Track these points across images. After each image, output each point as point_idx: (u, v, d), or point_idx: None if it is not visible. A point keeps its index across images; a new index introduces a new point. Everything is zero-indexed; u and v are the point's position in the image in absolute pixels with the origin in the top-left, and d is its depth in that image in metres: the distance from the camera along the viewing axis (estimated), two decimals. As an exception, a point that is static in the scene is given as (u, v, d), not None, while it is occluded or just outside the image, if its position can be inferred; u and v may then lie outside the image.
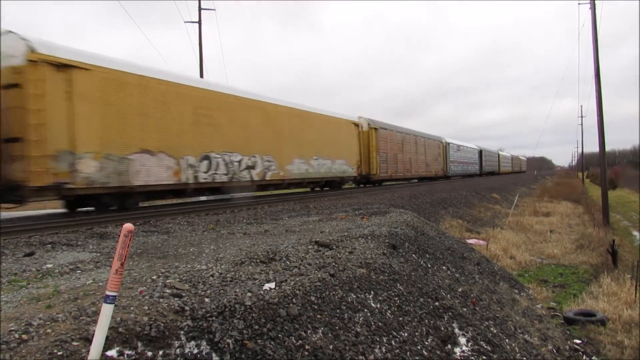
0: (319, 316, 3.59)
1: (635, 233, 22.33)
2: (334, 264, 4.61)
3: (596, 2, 21.05)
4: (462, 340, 4.56)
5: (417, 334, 4.17)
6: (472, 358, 4.35)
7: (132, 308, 2.89)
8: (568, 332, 6.89)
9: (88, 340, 2.41)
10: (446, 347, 4.28)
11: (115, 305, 2.30)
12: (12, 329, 2.48)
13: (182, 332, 2.81)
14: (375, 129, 24.58)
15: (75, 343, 2.42)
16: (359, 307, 4.04)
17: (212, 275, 3.84)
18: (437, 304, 4.94)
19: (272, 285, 3.74)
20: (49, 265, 4.58)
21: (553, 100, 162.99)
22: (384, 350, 3.66)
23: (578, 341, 6.57)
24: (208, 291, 3.40)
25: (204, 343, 2.83)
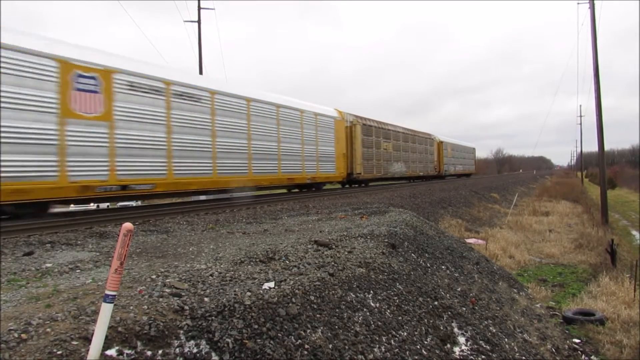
0: (318, 315, 3.59)
1: (634, 232, 22.38)
2: (333, 263, 4.61)
3: (595, 2, 21.12)
4: (462, 339, 4.57)
5: (416, 333, 4.18)
6: (472, 357, 4.36)
7: (131, 307, 2.89)
8: (567, 332, 6.90)
9: (87, 340, 2.41)
10: (445, 347, 4.29)
11: (114, 305, 2.30)
12: (12, 328, 2.47)
13: (181, 331, 2.81)
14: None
15: (74, 342, 2.42)
16: (359, 306, 4.04)
17: (211, 275, 3.84)
18: (436, 303, 4.94)
19: (272, 284, 3.74)
20: (48, 265, 4.57)
21: (553, 100, 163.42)
22: (383, 349, 3.66)
23: (577, 340, 6.59)
24: (207, 290, 3.40)
25: (204, 342, 2.83)
